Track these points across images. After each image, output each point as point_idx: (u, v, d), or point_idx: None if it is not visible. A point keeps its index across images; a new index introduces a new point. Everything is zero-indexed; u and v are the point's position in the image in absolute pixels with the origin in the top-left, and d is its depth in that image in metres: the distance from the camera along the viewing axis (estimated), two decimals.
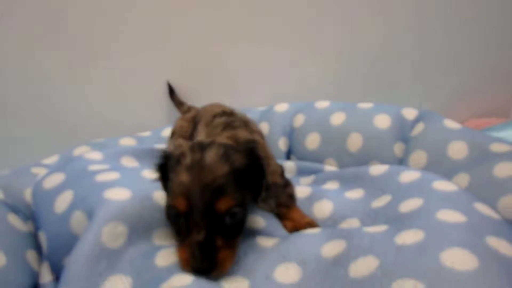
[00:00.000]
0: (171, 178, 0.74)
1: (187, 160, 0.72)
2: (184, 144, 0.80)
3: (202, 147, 0.75)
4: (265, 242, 0.82)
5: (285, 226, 0.94)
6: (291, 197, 0.98)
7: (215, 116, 1.12)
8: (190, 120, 1.36)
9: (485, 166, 0.99)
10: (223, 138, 0.92)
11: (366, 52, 1.86)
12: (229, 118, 1.08)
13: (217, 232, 0.70)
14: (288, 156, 1.42)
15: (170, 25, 1.57)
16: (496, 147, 1.02)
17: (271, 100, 1.61)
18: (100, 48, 1.54)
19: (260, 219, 0.93)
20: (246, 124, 1.10)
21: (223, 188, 0.70)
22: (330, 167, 1.26)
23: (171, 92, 1.64)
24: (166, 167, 0.78)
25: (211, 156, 0.72)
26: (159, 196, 0.86)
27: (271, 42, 1.71)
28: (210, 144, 0.76)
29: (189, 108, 1.53)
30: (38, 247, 0.92)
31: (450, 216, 0.71)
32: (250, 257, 0.77)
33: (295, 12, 1.68)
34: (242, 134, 0.97)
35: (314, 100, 1.47)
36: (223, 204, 0.70)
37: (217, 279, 0.70)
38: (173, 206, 0.73)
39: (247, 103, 1.69)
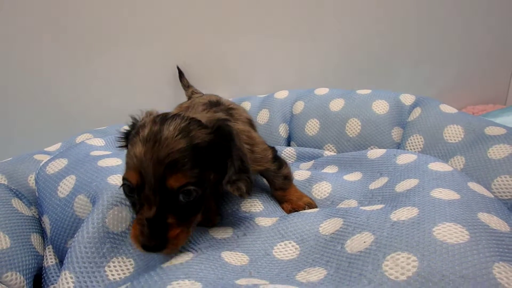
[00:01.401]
0: (128, 149, 0.69)
1: (145, 131, 0.67)
2: (151, 111, 0.76)
3: (164, 119, 0.69)
4: (264, 222, 0.84)
5: (283, 209, 0.96)
6: (287, 178, 0.96)
7: (204, 104, 1.05)
8: (184, 110, 1.37)
9: (480, 149, 1.01)
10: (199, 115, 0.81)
11: (365, 42, 1.87)
12: (214, 107, 1.03)
13: (170, 210, 0.66)
14: (288, 142, 1.44)
15: (172, 14, 1.58)
16: (491, 130, 1.04)
17: (272, 89, 1.62)
18: (103, 37, 1.55)
19: (258, 203, 0.95)
20: (229, 110, 1.03)
21: (177, 164, 0.65)
22: (329, 152, 1.28)
23: (180, 74, 1.66)
24: (129, 132, 0.75)
25: (169, 129, 0.67)
26: None
27: (272, 32, 1.72)
28: (173, 117, 0.70)
29: (192, 93, 1.53)
30: (42, 232, 0.93)
31: (444, 194, 0.73)
32: (249, 236, 0.79)
33: (296, 2, 1.69)
34: (221, 115, 0.88)
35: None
36: (176, 181, 0.65)
37: (168, 255, 0.69)
38: (126, 179, 0.68)
39: (248, 91, 1.71)
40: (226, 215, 0.90)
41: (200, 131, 0.70)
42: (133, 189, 0.68)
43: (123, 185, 0.70)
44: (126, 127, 0.77)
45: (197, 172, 0.67)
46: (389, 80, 1.99)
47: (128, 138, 0.75)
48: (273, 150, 0.96)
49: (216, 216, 0.88)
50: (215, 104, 1.04)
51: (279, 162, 0.95)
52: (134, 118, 0.78)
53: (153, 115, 0.74)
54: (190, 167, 0.66)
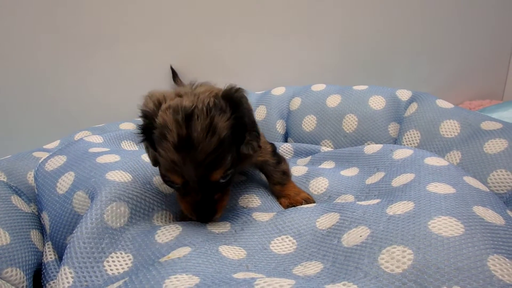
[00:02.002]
0: (160, 152, 0.72)
1: (174, 136, 0.70)
2: (157, 95, 0.78)
3: (187, 119, 0.70)
4: (261, 217, 0.85)
5: (281, 204, 0.97)
6: (285, 173, 0.99)
7: None
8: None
9: (476, 143, 1.02)
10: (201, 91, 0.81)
11: (362, 39, 1.88)
12: None
13: (214, 191, 0.77)
14: (285, 138, 1.45)
15: (170, 12, 1.58)
16: (487, 125, 1.05)
17: (270, 85, 1.62)
18: (101, 35, 1.55)
19: (255, 198, 0.96)
20: None
21: (215, 163, 0.72)
22: (326, 148, 1.29)
23: (174, 75, 1.66)
24: (147, 127, 0.77)
25: (198, 131, 0.70)
26: (159, 181, 0.89)
27: (270, 29, 1.73)
28: (193, 112, 0.71)
29: None
30: (41, 228, 0.94)
31: (439, 188, 0.74)
32: (247, 230, 0.80)
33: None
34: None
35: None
36: (216, 175, 0.74)
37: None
38: (169, 180, 0.76)
39: (245, 88, 1.71)
40: (224, 210, 0.91)
41: (222, 120, 0.73)
42: (177, 185, 0.77)
43: (164, 179, 0.78)
44: (140, 120, 0.80)
45: (229, 159, 0.74)
46: (387, 76, 2.00)
47: (146, 132, 0.78)
48: (272, 145, 1.01)
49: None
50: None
51: (277, 157, 0.99)
52: (144, 111, 0.79)
53: (170, 108, 0.73)
54: (225, 159, 0.73)
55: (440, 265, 0.54)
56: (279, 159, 0.99)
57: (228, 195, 0.83)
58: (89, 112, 1.63)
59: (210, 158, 0.71)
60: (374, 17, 1.86)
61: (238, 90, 0.78)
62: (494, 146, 0.98)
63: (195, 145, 0.70)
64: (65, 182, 0.88)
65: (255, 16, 1.69)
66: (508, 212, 0.72)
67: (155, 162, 0.80)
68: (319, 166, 1.13)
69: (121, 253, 0.74)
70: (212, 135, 0.71)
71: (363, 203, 0.78)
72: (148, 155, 0.82)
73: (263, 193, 0.99)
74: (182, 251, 0.68)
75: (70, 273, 0.68)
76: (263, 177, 1.02)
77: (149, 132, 0.76)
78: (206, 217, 0.79)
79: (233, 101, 0.76)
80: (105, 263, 0.72)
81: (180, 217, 0.87)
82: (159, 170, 0.79)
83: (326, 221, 0.76)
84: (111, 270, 0.71)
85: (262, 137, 0.95)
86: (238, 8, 1.66)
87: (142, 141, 0.80)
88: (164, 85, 1.68)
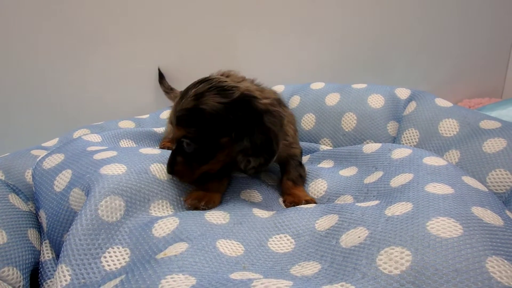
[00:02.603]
0: None
1: (186, 88, 0.86)
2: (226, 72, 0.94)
3: (200, 81, 0.85)
4: (261, 213, 0.85)
5: (284, 200, 0.97)
6: (302, 176, 1.02)
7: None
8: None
9: (475, 143, 1.02)
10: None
11: (362, 37, 1.88)
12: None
13: (179, 152, 0.85)
14: None
15: (169, 9, 1.58)
16: (486, 124, 1.05)
17: (269, 83, 1.62)
18: (99, 33, 1.54)
19: (257, 194, 0.96)
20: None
21: (180, 120, 0.83)
22: (325, 147, 1.29)
23: (161, 77, 1.65)
24: None
25: (192, 91, 0.82)
26: (156, 168, 0.89)
27: (270, 27, 1.72)
28: (205, 81, 0.84)
29: (176, 96, 1.54)
30: (39, 227, 0.94)
31: (438, 188, 0.74)
32: (245, 225, 0.79)
33: None
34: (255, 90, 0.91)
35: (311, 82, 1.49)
36: (176, 132, 0.84)
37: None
38: None
39: None
40: (225, 201, 0.91)
41: (214, 99, 0.80)
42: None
43: None
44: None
45: (194, 130, 0.81)
46: (386, 74, 1.99)
47: None
48: (301, 149, 1.08)
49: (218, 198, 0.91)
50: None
51: (301, 161, 1.05)
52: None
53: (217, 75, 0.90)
54: (188, 124, 0.81)
55: (439, 266, 0.54)
56: (301, 163, 1.04)
57: (190, 173, 0.87)
58: (88, 110, 1.63)
59: (181, 113, 0.82)
60: (373, 15, 1.85)
61: (266, 104, 0.83)
62: (493, 145, 0.98)
63: (183, 98, 0.83)
64: (62, 180, 0.88)
65: (255, 15, 1.69)
66: (507, 212, 0.72)
67: None
68: (318, 165, 1.13)
69: (118, 248, 0.73)
70: (194, 100, 0.81)
71: (362, 204, 0.78)
72: None
73: (264, 190, 0.99)
74: (179, 248, 0.68)
75: (67, 271, 0.68)
76: (268, 176, 1.04)
77: None
78: (168, 168, 0.87)
79: (245, 103, 0.81)
80: (102, 259, 0.71)
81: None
82: None
83: (325, 222, 0.76)
84: (108, 265, 0.71)
85: (293, 137, 1.02)
86: (238, 7, 1.65)
87: None
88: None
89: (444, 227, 0.61)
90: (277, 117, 0.83)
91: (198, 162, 0.86)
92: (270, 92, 0.99)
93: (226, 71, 0.94)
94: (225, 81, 0.84)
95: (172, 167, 0.86)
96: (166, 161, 0.91)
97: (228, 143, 0.82)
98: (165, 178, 0.89)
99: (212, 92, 0.81)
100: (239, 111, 0.80)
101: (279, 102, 0.99)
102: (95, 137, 1.10)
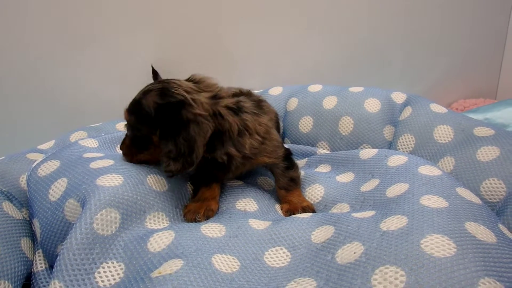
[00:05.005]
0: None
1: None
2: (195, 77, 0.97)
3: (161, 81, 0.92)
4: (257, 224, 0.85)
5: (281, 209, 0.98)
6: (293, 180, 1.01)
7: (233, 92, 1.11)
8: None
9: (469, 150, 1.03)
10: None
11: (359, 35, 1.88)
12: (244, 96, 1.08)
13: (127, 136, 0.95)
14: (282, 139, 1.45)
15: (166, 6, 1.57)
16: (479, 131, 1.06)
17: (267, 83, 1.62)
18: (95, 30, 1.53)
19: (252, 202, 0.96)
20: (259, 102, 1.09)
21: (129, 107, 0.90)
22: (322, 150, 1.29)
23: (155, 75, 1.64)
24: None
25: (147, 88, 0.89)
26: (153, 180, 0.89)
27: (267, 26, 1.72)
28: (161, 82, 0.91)
29: None
30: (32, 235, 0.93)
31: (432, 201, 0.74)
32: (241, 238, 0.79)
33: None
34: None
35: (308, 82, 1.50)
36: (125, 117, 0.92)
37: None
38: None
39: (243, 86, 1.71)
40: (221, 212, 0.91)
41: (153, 98, 0.85)
42: None
43: None
44: None
45: (133, 119, 0.89)
46: (381, 75, 2.00)
47: None
48: (287, 150, 1.04)
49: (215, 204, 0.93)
50: (246, 94, 1.09)
51: (289, 163, 1.02)
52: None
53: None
54: (130, 113, 0.89)
55: None
56: (291, 165, 1.02)
57: (128, 154, 0.95)
58: (85, 110, 1.62)
59: (131, 102, 0.89)
60: (369, 15, 1.85)
61: (188, 112, 0.84)
62: (487, 153, 0.99)
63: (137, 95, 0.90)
64: (57, 189, 0.87)
65: (252, 14, 1.68)
66: (500, 226, 0.73)
67: None
68: (315, 170, 1.14)
69: (112, 263, 0.73)
70: (142, 94, 0.88)
71: (358, 215, 0.79)
72: None
73: (260, 197, 0.99)
74: (174, 265, 0.68)
75: (61, 287, 0.68)
76: (265, 181, 1.04)
77: None
78: (121, 143, 0.97)
79: (172, 111, 0.84)
80: (96, 275, 0.71)
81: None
82: None
83: (321, 234, 0.76)
84: (102, 281, 0.71)
85: (276, 141, 1.00)
86: (236, 5, 1.65)
87: None
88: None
89: (437, 245, 0.61)
90: (203, 129, 0.83)
91: (136, 148, 0.94)
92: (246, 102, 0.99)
93: (199, 76, 0.96)
94: (175, 85, 0.87)
95: (121, 144, 0.97)
96: (162, 172, 0.92)
97: (157, 141, 0.87)
98: (161, 190, 0.89)
99: (157, 92, 0.86)
100: (168, 114, 0.83)
101: (259, 103, 1.05)
102: (92, 142, 1.10)
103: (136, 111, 0.88)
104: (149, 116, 0.85)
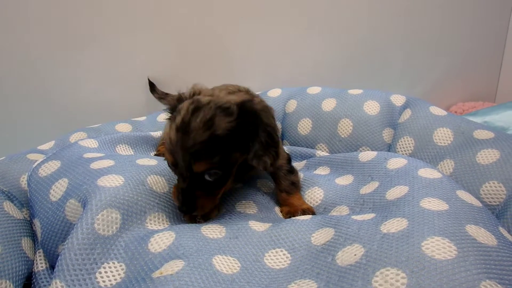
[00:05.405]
0: (167, 128, 0.84)
1: (179, 119, 0.80)
2: (198, 87, 0.93)
3: (195, 109, 0.81)
4: (257, 226, 0.85)
5: (281, 211, 0.98)
6: (294, 184, 1.01)
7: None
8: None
9: (469, 153, 1.03)
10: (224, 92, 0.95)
11: (359, 36, 1.88)
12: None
13: (198, 185, 0.81)
14: (281, 141, 1.45)
15: (165, 9, 1.57)
16: (479, 134, 1.06)
17: (266, 83, 1.63)
18: (95, 31, 1.53)
19: (252, 204, 0.96)
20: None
21: (199, 154, 0.78)
22: (321, 152, 1.29)
23: (152, 87, 1.64)
24: (175, 108, 0.86)
25: (196, 121, 0.79)
26: (153, 181, 0.88)
27: (267, 26, 1.72)
28: (203, 107, 0.81)
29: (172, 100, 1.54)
30: (33, 235, 0.93)
31: (433, 204, 0.75)
32: (241, 239, 0.80)
33: None
34: (246, 97, 0.94)
35: (308, 83, 1.50)
36: (199, 167, 0.79)
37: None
38: (165, 157, 0.84)
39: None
40: (221, 214, 0.91)
41: (224, 120, 0.80)
42: (168, 164, 0.84)
43: (167, 159, 0.85)
44: (172, 102, 0.91)
45: (217, 158, 0.79)
46: (380, 77, 2.00)
47: (174, 112, 0.87)
48: (288, 155, 1.06)
49: (215, 209, 0.92)
50: (244, 91, 1.09)
51: (291, 167, 1.03)
52: (179, 95, 0.91)
53: (193, 96, 0.87)
54: (211, 155, 0.79)
55: None
56: (292, 169, 1.03)
57: (213, 200, 0.86)
58: (85, 111, 1.62)
59: (198, 147, 0.78)
60: (368, 17, 1.86)
61: (251, 102, 0.86)
62: (487, 156, 0.99)
63: (190, 131, 0.78)
64: (58, 189, 0.87)
65: (251, 15, 1.69)
66: (500, 229, 0.73)
67: None
68: (314, 172, 1.14)
69: (113, 263, 0.73)
70: (207, 129, 0.78)
71: (358, 217, 0.79)
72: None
73: (260, 200, 1.00)
74: (175, 266, 0.68)
75: (62, 287, 0.68)
76: (264, 184, 1.04)
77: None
78: (185, 208, 0.82)
79: (246, 110, 0.83)
80: (97, 275, 0.71)
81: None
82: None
83: (321, 236, 0.77)
84: (103, 281, 0.71)
85: (280, 141, 0.99)
86: (235, 7, 1.65)
87: (168, 119, 0.89)
88: (162, 81, 1.67)
89: (438, 247, 0.61)
90: (271, 112, 0.87)
91: (219, 186, 0.86)
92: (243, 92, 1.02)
93: (195, 88, 0.94)
94: (212, 99, 0.84)
95: (192, 205, 0.83)
96: (163, 172, 0.91)
97: (240, 155, 0.84)
98: (162, 191, 0.89)
99: (217, 116, 0.80)
100: (245, 120, 0.82)
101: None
102: (92, 143, 1.10)
103: (217, 148, 0.79)
104: (232, 138, 0.81)
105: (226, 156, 0.81)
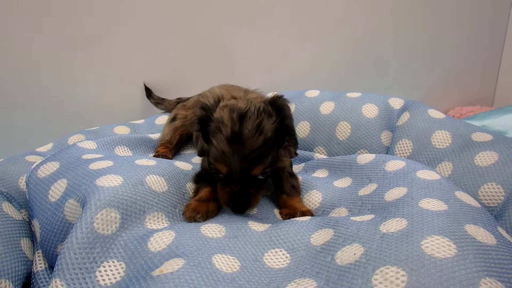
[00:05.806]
0: (213, 143, 0.85)
1: (228, 130, 0.83)
2: (217, 92, 0.95)
3: (241, 118, 0.84)
4: (256, 226, 0.85)
5: (280, 213, 0.98)
6: (294, 187, 1.03)
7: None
8: (191, 107, 1.39)
9: (467, 155, 1.03)
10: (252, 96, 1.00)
11: (357, 42, 1.89)
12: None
13: (251, 185, 0.87)
14: None
15: (165, 10, 1.58)
16: (477, 137, 1.07)
17: (265, 88, 1.62)
18: (94, 33, 1.53)
19: None
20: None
21: (257, 159, 0.84)
22: (319, 155, 1.30)
23: (148, 92, 1.64)
24: (205, 119, 0.89)
25: (248, 128, 0.83)
26: (152, 180, 0.89)
27: (265, 31, 1.73)
28: (246, 113, 0.85)
29: (170, 103, 1.56)
30: (32, 235, 0.93)
31: (432, 205, 0.75)
32: (241, 239, 0.80)
33: (288, 2, 1.70)
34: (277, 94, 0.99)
35: (306, 88, 1.50)
36: (257, 171, 0.86)
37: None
38: (215, 168, 0.87)
39: None
40: (220, 213, 0.92)
41: (269, 123, 0.86)
42: (221, 174, 0.87)
43: (210, 167, 0.89)
44: (200, 113, 0.92)
45: (270, 158, 0.86)
46: (378, 81, 2.01)
47: (203, 124, 0.90)
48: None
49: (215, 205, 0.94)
50: (244, 90, 1.13)
51: (292, 171, 1.07)
52: (203, 105, 0.91)
53: (227, 107, 0.87)
54: (266, 158, 0.85)
55: None
56: (293, 173, 1.06)
57: (261, 192, 0.94)
58: (83, 113, 1.62)
59: (255, 154, 0.83)
60: (366, 21, 1.87)
61: (282, 98, 0.92)
62: (485, 158, 0.99)
63: (244, 140, 0.82)
64: (57, 190, 0.87)
65: (250, 19, 1.69)
66: (499, 229, 0.73)
67: (201, 152, 0.92)
68: (313, 175, 1.14)
69: (113, 262, 0.73)
70: (260, 134, 0.83)
71: (356, 218, 0.79)
72: (196, 144, 0.92)
73: (260, 202, 1.00)
74: (175, 264, 0.68)
75: (62, 285, 0.68)
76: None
77: (204, 124, 0.89)
78: (241, 208, 0.89)
79: (278, 107, 0.90)
80: (97, 273, 0.71)
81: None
82: (207, 159, 0.89)
83: (320, 237, 0.77)
84: (103, 280, 0.71)
85: None
86: (235, 11, 1.66)
87: (198, 130, 0.92)
88: (161, 85, 1.67)
89: (438, 246, 0.61)
90: (289, 106, 0.93)
91: (266, 180, 0.93)
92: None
93: (216, 94, 0.96)
94: (248, 104, 0.87)
95: (246, 204, 0.89)
96: (162, 172, 0.91)
97: (277, 150, 0.91)
98: (161, 190, 0.89)
99: (263, 120, 0.85)
100: (281, 117, 0.89)
101: None
102: (90, 144, 1.10)
103: (269, 150, 0.86)
104: (276, 137, 0.88)
105: (274, 154, 0.88)
